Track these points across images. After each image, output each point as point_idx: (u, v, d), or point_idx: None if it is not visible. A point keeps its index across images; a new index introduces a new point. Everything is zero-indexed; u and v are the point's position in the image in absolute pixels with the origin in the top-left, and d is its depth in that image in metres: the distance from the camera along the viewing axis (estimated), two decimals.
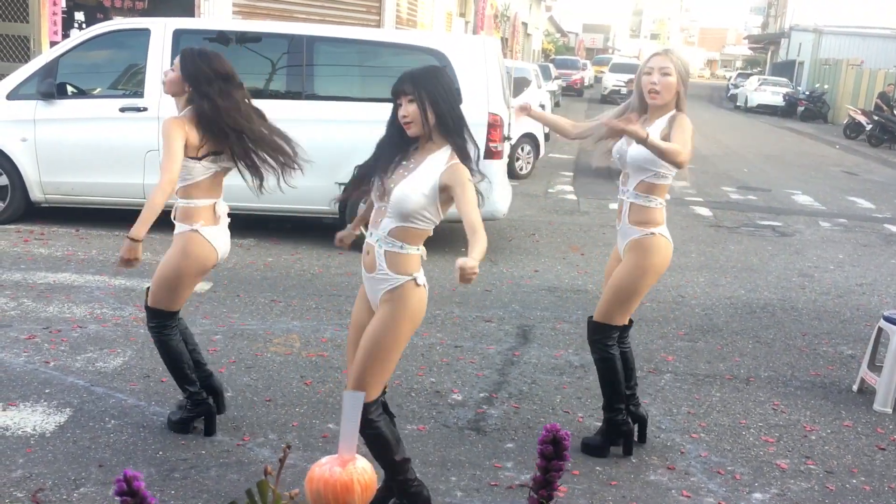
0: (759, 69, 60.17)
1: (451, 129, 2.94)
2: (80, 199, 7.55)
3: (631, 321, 3.92)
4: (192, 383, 3.73)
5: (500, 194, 7.52)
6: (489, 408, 4.30)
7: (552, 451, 1.09)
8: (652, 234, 3.64)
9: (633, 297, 3.72)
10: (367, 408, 2.95)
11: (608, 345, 3.78)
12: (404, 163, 2.97)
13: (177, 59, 3.65)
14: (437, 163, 2.91)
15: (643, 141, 3.36)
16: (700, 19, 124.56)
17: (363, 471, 1.25)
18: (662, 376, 4.89)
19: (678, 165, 3.46)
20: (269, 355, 4.80)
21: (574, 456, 3.78)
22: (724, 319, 6.12)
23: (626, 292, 3.69)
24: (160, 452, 3.59)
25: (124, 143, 7.29)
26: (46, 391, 4.12)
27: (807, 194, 13.02)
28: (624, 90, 30.82)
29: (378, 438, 2.99)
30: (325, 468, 1.23)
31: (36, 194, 7.48)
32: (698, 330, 5.82)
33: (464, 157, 2.92)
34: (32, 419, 3.81)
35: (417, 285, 2.93)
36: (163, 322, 3.68)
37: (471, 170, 2.91)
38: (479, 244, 2.68)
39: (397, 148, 3.00)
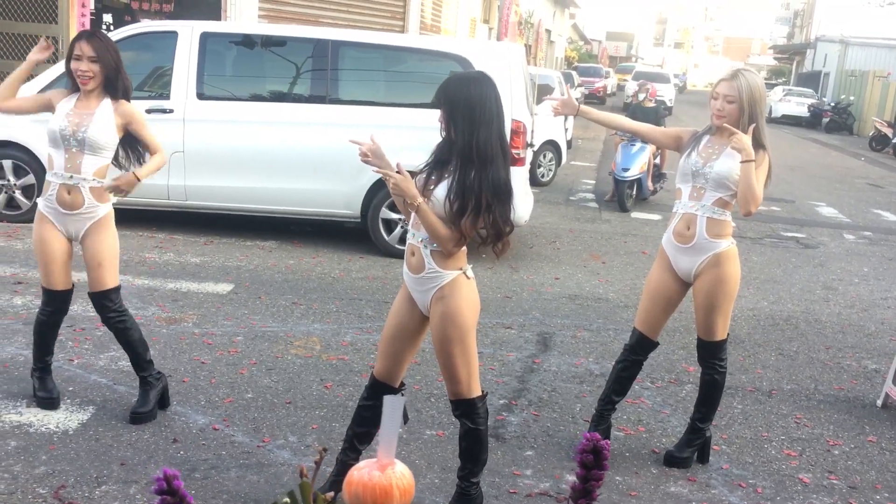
0: (783, 79, 59.74)
1: (468, 157, 2.85)
2: None
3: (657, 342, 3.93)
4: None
5: (522, 201, 7.52)
6: (509, 415, 4.29)
7: (592, 461, 1.08)
8: (732, 243, 3.68)
9: (731, 306, 3.77)
10: (474, 403, 3.02)
11: (723, 360, 3.82)
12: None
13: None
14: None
15: (748, 162, 3.43)
16: (725, 28, 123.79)
17: (402, 476, 1.25)
18: (683, 387, 4.86)
19: (746, 211, 3.52)
20: (289, 357, 4.82)
21: None
22: (746, 331, 6.07)
23: (727, 304, 3.72)
24: (181, 452, 3.61)
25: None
26: (70, 389, 4.15)
27: (831, 206, 12.90)
28: (630, 98, 30.67)
29: (482, 435, 3.11)
30: (363, 472, 1.23)
31: None
32: None
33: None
34: (56, 416, 3.85)
35: (468, 277, 2.98)
36: (121, 302, 3.84)
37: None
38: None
39: (447, 152, 2.96)
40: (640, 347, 3.87)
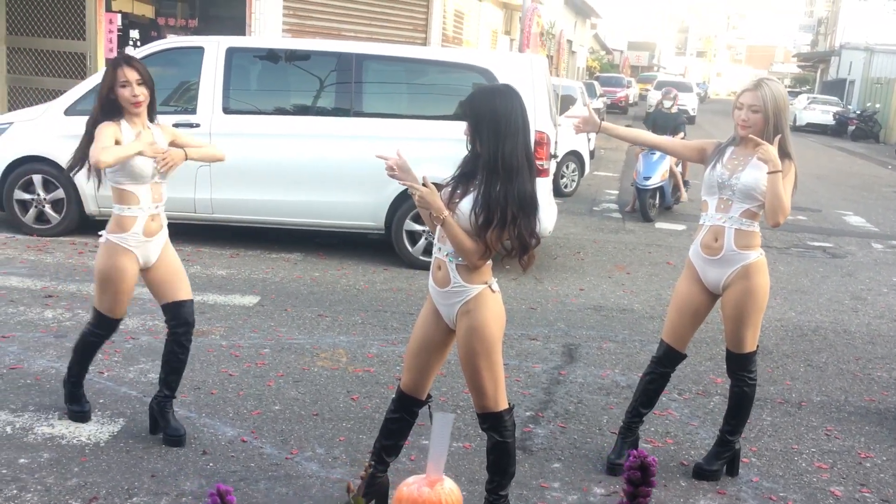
0: (807, 87, 59.30)
1: (494, 170, 2.86)
2: None
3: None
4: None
5: (546, 212, 7.51)
6: (535, 427, 4.28)
7: (639, 477, 1.08)
8: (761, 254, 3.67)
9: (760, 318, 3.75)
10: (501, 416, 3.03)
11: (753, 373, 3.80)
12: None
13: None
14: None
15: (775, 173, 3.42)
16: (748, 37, 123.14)
17: (451, 491, 1.26)
18: (711, 399, 4.82)
19: (774, 222, 3.51)
20: (315, 370, 4.84)
21: (615, 481, 3.74)
22: (774, 342, 6.02)
23: (757, 316, 3.70)
24: (210, 464, 3.64)
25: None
26: (101, 401, 4.20)
27: (858, 215, 12.77)
28: (651, 108, 30.62)
29: (510, 448, 3.12)
30: (413, 487, 1.24)
31: (90, 208, 7.65)
32: None
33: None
34: (87, 428, 3.89)
35: (493, 291, 2.99)
36: None
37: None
38: None
39: (473, 165, 2.97)
40: (667, 359, 3.85)
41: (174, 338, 3.85)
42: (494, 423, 3.09)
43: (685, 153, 4.07)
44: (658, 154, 10.60)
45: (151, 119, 3.79)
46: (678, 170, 11.57)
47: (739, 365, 3.77)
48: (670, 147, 4.24)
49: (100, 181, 3.73)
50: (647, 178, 10.72)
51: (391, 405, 3.27)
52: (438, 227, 2.96)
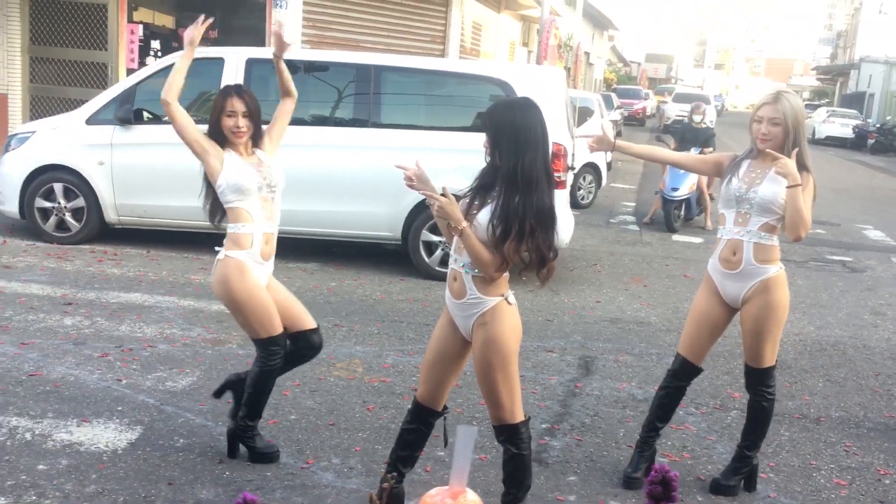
0: (826, 100, 58.99)
1: (513, 182, 2.87)
2: (152, 222, 7.77)
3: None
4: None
5: (563, 224, 7.50)
6: (551, 439, 4.27)
7: (661, 492, 1.07)
8: (781, 268, 3.67)
9: (780, 332, 3.73)
10: (517, 428, 3.03)
11: (772, 387, 3.77)
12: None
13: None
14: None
15: (795, 188, 3.40)
16: (766, 50, 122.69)
17: (474, 503, 1.26)
18: (729, 413, 4.79)
19: (796, 236, 3.48)
20: (332, 379, 4.85)
21: (632, 495, 3.72)
22: (792, 356, 5.97)
23: (777, 330, 3.68)
24: (227, 473, 3.65)
25: (196, 167, 7.44)
26: (119, 409, 4.23)
27: (878, 229, 12.67)
28: (670, 120, 30.76)
29: (526, 460, 3.13)
30: (436, 499, 1.24)
31: (110, 216, 7.72)
32: None
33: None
34: (105, 436, 3.92)
35: (509, 304, 2.99)
36: None
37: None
38: None
39: (491, 177, 2.98)
40: (683, 373, 3.83)
41: (293, 358, 3.85)
42: (510, 436, 3.09)
43: (702, 168, 4.06)
44: None
45: (257, 145, 3.79)
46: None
47: (758, 380, 3.75)
48: (686, 163, 4.23)
49: (222, 212, 3.74)
50: (674, 189, 10.69)
51: (407, 416, 3.28)
52: (455, 238, 2.97)
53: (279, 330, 3.67)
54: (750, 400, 3.82)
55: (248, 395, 3.71)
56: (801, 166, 3.50)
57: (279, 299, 3.75)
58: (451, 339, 3.10)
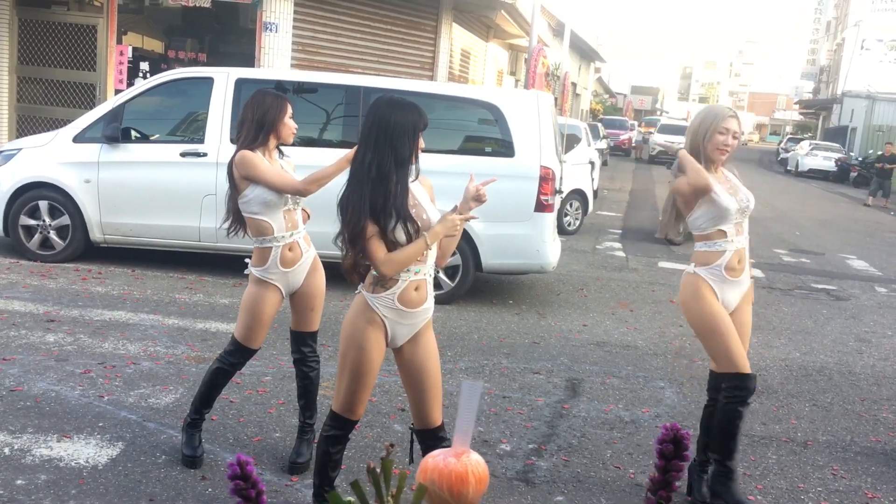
0: (809, 134, 59.71)
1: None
2: (137, 241, 7.71)
3: None
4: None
5: (551, 247, 7.51)
6: (538, 459, 4.23)
7: (672, 451, 1.05)
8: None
9: None
10: (435, 432, 3.05)
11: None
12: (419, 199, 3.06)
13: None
14: (419, 190, 3.07)
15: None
16: (750, 84, 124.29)
17: (477, 463, 1.24)
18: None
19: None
20: (317, 398, 4.79)
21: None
22: (778, 381, 5.97)
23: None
24: (209, 489, 3.59)
25: (183, 186, 7.47)
26: (100, 425, 4.16)
27: (862, 259, 12.76)
28: (655, 150, 31.30)
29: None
30: (438, 459, 1.22)
31: (95, 235, 7.66)
32: None
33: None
34: (86, 451, 3.85)
35: None
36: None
37: None
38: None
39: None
40: (742, 384, 3.79)
41: (300, 362, 3.98)
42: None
43: (692, 198, 4.07)
44: None
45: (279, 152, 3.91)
46: None
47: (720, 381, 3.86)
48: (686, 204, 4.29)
49: (243, 226, 3.83)
50: None
51: (332, 426, 3.22)
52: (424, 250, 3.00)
53: (250, 345, 3.81)
54: (719, 402, 3.84)
55: (197, 392, 3.88)
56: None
57: (300, 303, 3.94)
58: (381, 354, 3.10)
